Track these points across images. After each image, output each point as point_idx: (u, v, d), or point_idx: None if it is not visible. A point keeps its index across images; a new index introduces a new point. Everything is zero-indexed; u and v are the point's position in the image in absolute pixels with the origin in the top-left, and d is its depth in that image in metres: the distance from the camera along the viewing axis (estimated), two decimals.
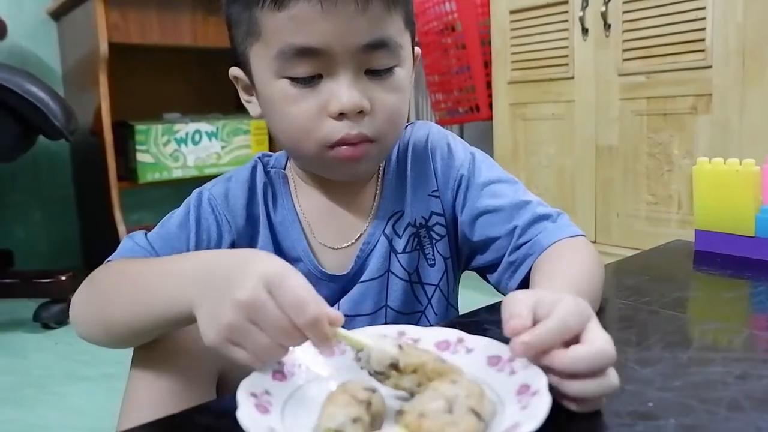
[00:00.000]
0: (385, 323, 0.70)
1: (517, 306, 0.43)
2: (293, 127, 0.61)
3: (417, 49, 0.69)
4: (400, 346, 0.42)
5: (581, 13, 1.88)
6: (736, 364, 0.49)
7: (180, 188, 2.62)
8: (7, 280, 1.96)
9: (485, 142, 2.54)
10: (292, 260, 0.69)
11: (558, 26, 1.98)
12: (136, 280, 0.56)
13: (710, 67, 1.62)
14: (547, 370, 0.41)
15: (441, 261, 0.73)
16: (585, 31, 1.89)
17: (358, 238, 0.70)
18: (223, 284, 0.44)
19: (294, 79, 0.59)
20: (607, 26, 1.83)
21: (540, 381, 0.39)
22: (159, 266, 0.55)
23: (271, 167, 0.73)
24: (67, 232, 2.52)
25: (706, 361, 0.50)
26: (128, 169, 2.32)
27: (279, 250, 0.69)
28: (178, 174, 2.37)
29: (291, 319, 0.41)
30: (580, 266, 0.61)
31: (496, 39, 2.20)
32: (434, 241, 0.73)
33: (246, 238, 0.69)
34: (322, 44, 0.57)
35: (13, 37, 2.21)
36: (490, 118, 2.31)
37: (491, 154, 2.35)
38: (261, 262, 0.44)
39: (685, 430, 0.40)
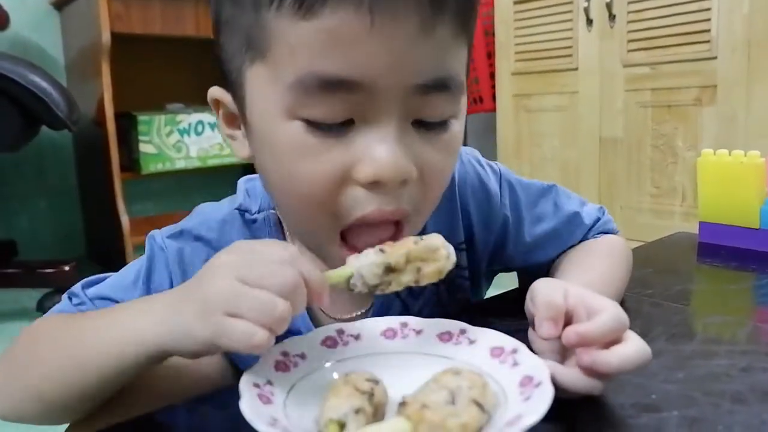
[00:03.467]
0: None
1: (552, 295, 0.43)
2: (301, 190, 0.44)
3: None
4: (381, 250, 0.42)
5: (586, 4, 1.87)
6: (740, 356, 0.49)
7: (183, 179, 2.62)
8: (11, 270, 1.97)
9: (488, 134, 2.53)
10: (290, 333, 0.46)
11: (562, 17, 1.97)
12: (80, 323, 0.47)
13: (715, 58, 1.61)
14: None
15: (460, 305, 0.64)
16: (589, 21, 1.88)
17: (370, 307, 0.58)
18: (200, 274, 0.39)
19: (314, 123, 0.42)
20: (611, 17, 1.82)
21: (543, 372, 0.39)
22: (103, 315, 0.46)
23: (257, 212, 0.57)
24: (71, 222, 2.52)
25: (710, 354, 0.50)
26: (131, 160, 2.32)
27: None
28: (180, 165, 2.37)
29: (285, 261, 0.38)
30: (608, 266, 0.61)
31: (499, 30, 2.18)
32: (455, 293, 0.62)
33: None
34: (366, 76, 0.40)
35: (16, 27, 2.21)
36: (494, 109, 2.30)
37: (494, 147, 2.35)
38: (234, 244, 0.41)
39: (689, 422, 0.40)
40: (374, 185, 0.43)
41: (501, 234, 0.62)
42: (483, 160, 0.63)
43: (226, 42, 0.46)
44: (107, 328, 0.44)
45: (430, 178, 0.46)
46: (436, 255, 0.44)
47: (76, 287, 0.54)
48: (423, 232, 0.54)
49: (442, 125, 0.45)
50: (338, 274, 0.42)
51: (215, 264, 0.39)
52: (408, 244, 0.43)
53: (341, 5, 0.38)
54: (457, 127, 0.47)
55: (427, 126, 0.44)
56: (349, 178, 0.43)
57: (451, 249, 0.45)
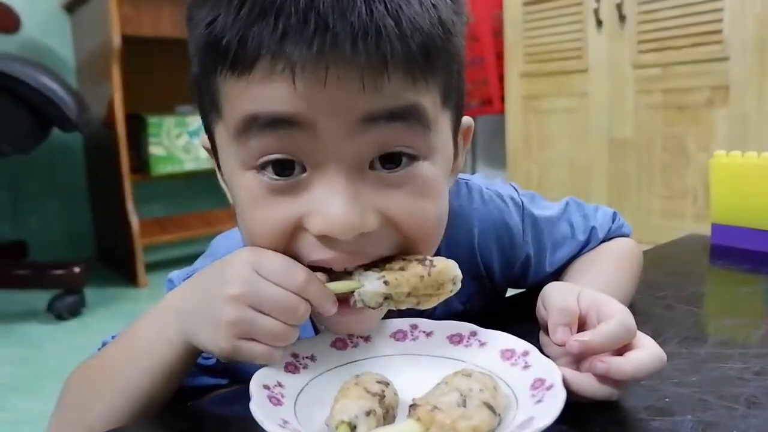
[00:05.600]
0: None
1: (565, 300, 0.43)
2: (255, 240, 0.43)
3: (467, 120, 0.51)
4: (386, 282, 0.42)
5: (596, 5, 1.86)
6: (754, 360, 0.49)
7: (192, 181, 2.63)
8: (22, 271, 1.99)
9: (497, 136, 2.52)
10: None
11: (572, 18, 1.96)
12: (108, 356, 0.48)
13: (727, 58, 1.60)
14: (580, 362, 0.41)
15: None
16: (599, 23, 1.87)
17: None
18: (208, 292, 0.42)
19: (262, 170, 0.41)
20: (622, 18, 1.81)
21: (554, 375, 0.39)
22: (127, 331, 0.48)
23: None
24: (81, 224, 2.54)
25: (723, 357, 0.49)
26: (141, 162, 2.33)
27: None
28: (190, 166, 2.38)
29: (286, 286, 0.40)
30: (618, 269, 0.61)
31: (509, 31, 2.18)
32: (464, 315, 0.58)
33: None
34: (300, 116, 0.38)
35: (27, 29, 2.22)
36: (503, 111, 2.30)
37: (503, 148, 2.34)
38: (235, 254, 0.43)
39: (703, 426, 0.39)
40: (326, 238, 0.41)
41: (522, 268, 0.62)
42: (504, 194, 0.60)
43: (201, 100, 0.47)
44: (132, 345, 0.46)
45: (403, 224, 0.42)
46: (440, 290, 0.43)
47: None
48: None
49: (406, 164, 0.41)
50: (343, 285, 0.43)
51: (224, 290, 0.41)
52: (414, 280, 0.42)
53: (266, 71, 0.38)
54: (427, 169, 0.42)
55: (387, 168, 0.41)
56: (302, 227, 0.42)
57: (459, 283, 0.44)
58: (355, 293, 0.42)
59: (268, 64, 0.38)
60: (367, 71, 0.37)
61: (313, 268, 0.42)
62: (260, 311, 0.40)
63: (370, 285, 0.42)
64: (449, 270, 0.43)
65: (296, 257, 0.42)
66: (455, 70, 0.45)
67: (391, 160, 0.41)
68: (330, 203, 0.39)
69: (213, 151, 0.49)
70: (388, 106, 0.39)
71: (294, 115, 0.38)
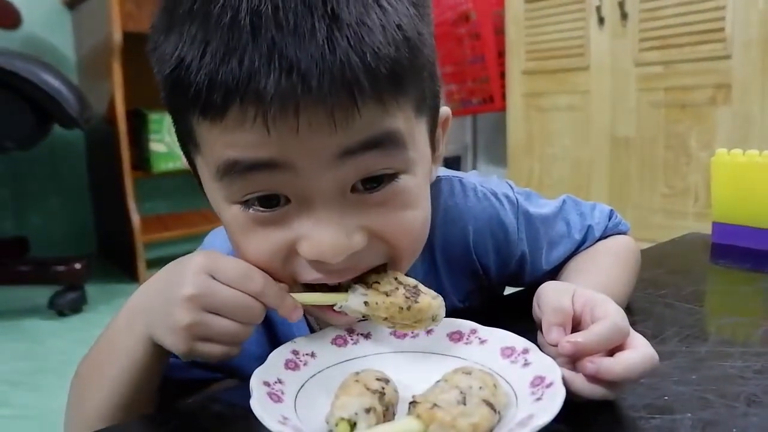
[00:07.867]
0: None
1: (559, 300, 0.43)
2: (252, 262, 0.44)
3: (445, 111, 0.51)
4: (366, 303, 0.44)
5: (598, 2, 1.86)
6: (754, 358, 0.49)
7: (193, 178, 2.62)
8: (23, 267, 1.99)
9: (498, 133, 2.52)
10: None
11: (574, 15, 1.96)
12: (96, 351, 0.50)
13: (730, 56, 1.59)
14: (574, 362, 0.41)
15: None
16: (601, 20, 1.87)
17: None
18: (165, 294, 0.43)
19: (246, 205, 0.42)
20: (624, 15, 1.80)
21: (554, 373, 0.39)
22: (108, 326, 0.50)
23: None
24: (82, 220, 2.54)
25: (723, 356, 0.49)
26: (142, 159, 2.33)
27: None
28: None
29: (243, 290, 0.42)
30: (615, 268, 0.60)
31: (510, 28, 2.18)
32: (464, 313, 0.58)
33: None
34: (279, 159, 0.39)
35: (28, 26, 2.22)
36: (504, 108, 2.29)
37: (504, 146, 2.34)
38: (191, 258, 0.44)
39: (703, 424, 0.39)
40: (317, 262, 0.42)
41: (518, 266, 0.62)
42: (499, 191, 0.60)
43: (177, 130, 0.47)
44: (109, 344, 0.49)
45: (390, 236, 0.44)
46: (417, 324, 0.44)
47: None
48: (436, 269, 0.59)
49: (386, 182, 0.42)
50: (329, 297, 0.45)
51: (178, 293, 0.42)
52: (393, 309, 0.43)
53: (238, 117, 0.38)
54: (408, 181, 0.43)
55: (369, 188, 0.42)
56: (295, 252, 0.43)
57: (440, 320, 0.45)
58: (337, 304, 0.44)
59: (239, 109, 0.38)
60: (337, 109, 0.37)
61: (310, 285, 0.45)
62: (214, 313, 0.41)
63: (353, 300, 0.44)
64: (431, 309, 0.44)
65: (293, 276, 0.45)
66: (426, 78, 0.45)
67: (371, 180, 0.42)
68: (317, 231, 0.41)
69: (195, 176, 0.49)
70: (363, 138, 0.39)
71: (272, 159, 0.39)
